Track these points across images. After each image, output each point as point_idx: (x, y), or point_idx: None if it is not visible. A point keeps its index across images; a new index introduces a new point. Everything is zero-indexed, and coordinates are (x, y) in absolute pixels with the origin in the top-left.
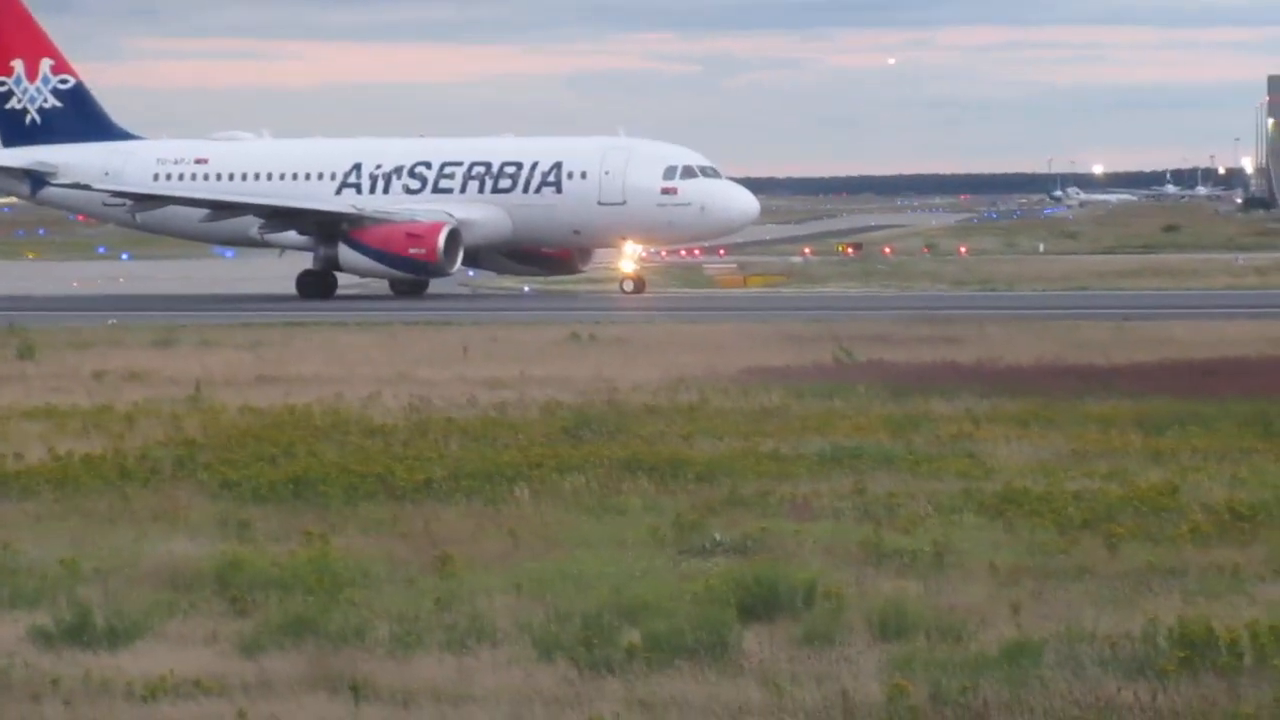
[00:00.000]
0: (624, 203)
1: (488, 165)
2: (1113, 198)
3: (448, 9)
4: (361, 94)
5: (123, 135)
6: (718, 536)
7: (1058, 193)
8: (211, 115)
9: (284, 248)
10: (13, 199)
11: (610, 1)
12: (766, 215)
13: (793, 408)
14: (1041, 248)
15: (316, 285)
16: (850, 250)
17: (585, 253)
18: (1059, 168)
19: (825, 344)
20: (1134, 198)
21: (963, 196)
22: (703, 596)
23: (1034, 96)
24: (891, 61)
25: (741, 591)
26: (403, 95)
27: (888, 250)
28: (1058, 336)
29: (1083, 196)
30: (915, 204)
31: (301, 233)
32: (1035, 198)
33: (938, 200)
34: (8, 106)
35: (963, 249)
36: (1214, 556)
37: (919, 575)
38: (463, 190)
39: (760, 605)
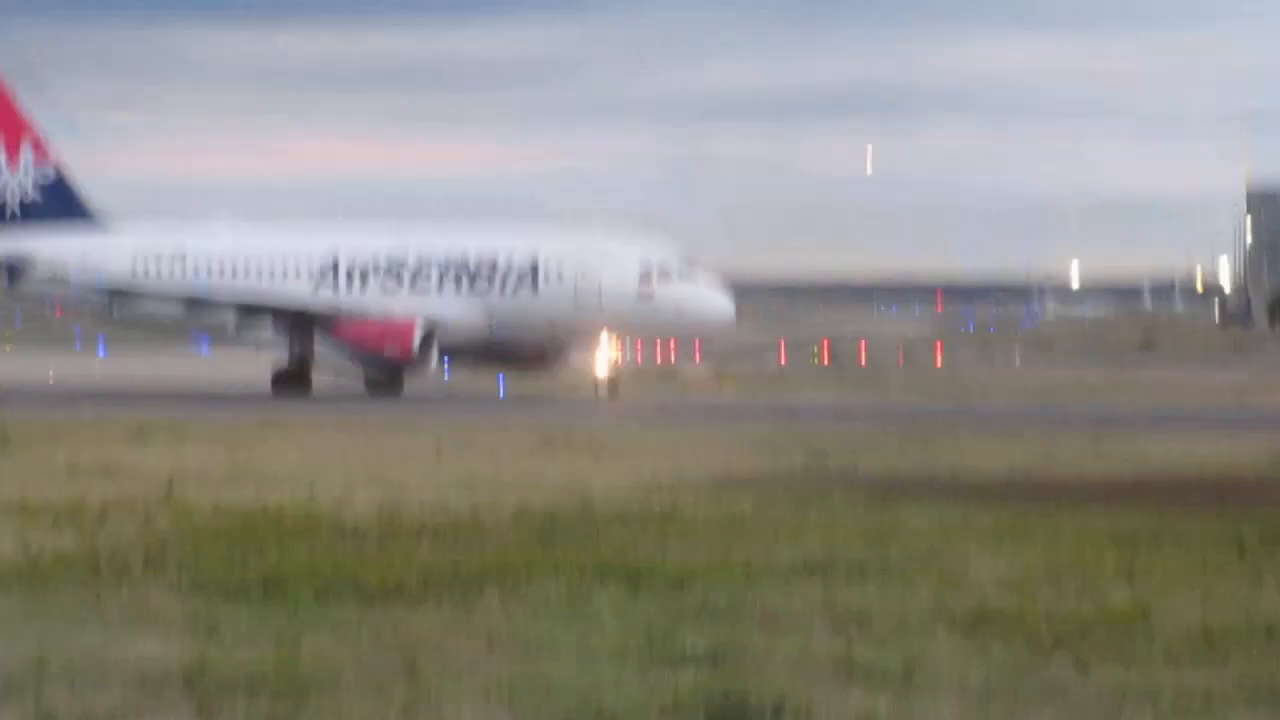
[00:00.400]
0: (600, 302)
1: (465, 262)
2: (1089, 309)
3: (429, 99)
4: (341, 184)
5: (102, 225)
6: (688, 646)
7: (1034, 303)
8: (193, 203)
9: (260, 343)
10: None
11: (590, 95)
12: (742, 318)
13: (765, 516)
14: (1017, 358)
15: (291, 382)
16: (825, 356)
17: (561, 352)
18: (1037, 278)
19: (798, 451)
20: (1111, 310)
21: (939, 304)
22: (671, 707)
23: (1013, 204)
24: (869, 164)
25: (710, 703)
26: (381, 186)
27: (863, 356)
28: (1032, 448)
29: (1059, 307)
30: (891, 310)
31: (276, 328)
32: (1012, 307)
33: (914, 306)
34: None
35: (938, 357)
36: (1186, 679)
37: (889, 691)
38: (440, 287)
39: (729, 717)
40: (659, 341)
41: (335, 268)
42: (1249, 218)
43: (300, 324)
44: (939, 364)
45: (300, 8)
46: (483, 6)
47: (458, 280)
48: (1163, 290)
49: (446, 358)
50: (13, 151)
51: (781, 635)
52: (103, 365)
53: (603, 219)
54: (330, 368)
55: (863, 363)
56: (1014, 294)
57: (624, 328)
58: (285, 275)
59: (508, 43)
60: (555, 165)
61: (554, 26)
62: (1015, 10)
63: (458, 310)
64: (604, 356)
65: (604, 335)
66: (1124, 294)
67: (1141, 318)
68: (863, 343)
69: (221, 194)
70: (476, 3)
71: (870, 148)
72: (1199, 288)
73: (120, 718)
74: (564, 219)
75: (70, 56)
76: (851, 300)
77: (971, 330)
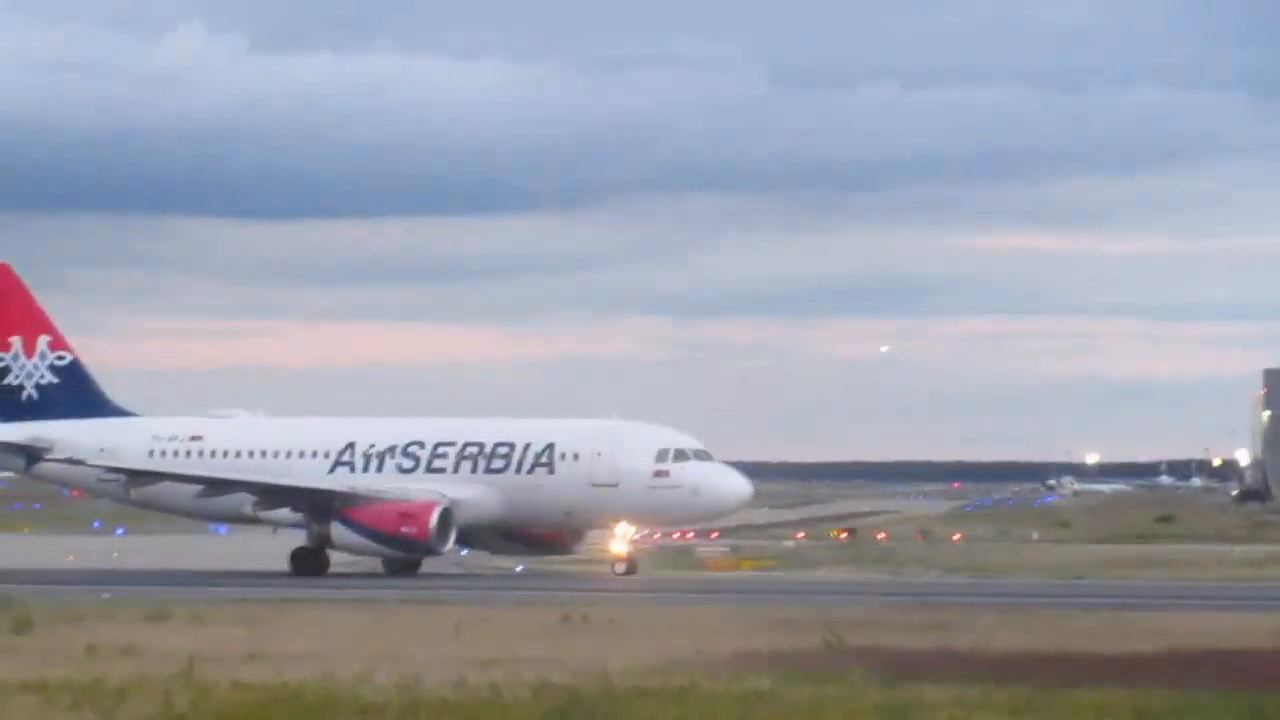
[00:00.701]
0: (616, 484)
1: (481, 445)
2: (1107, 488)
3: (440, 292)
4: (355, 373)
5: (118, 412)
6: None
7: (1051, 481)
8: (206, 392)
9: (278, 525)
10: (8, 473)
11: (602, 287)
12: (759, 499)
13: (783, 693)
14: (1035, 536)
15: (309, 562)
16: (842, 535)
17: (577, 534)
18: (1053, 457)
19: (817, 629)
20: (1128, 488)
21: (956, 484)
22: None
23: (1028, 386)
24: (885, 349)
25: None
26: (396, 375)
27: (880, 536)
28: (1050, 625)
29: (1077, 486)
30: (908, 490)
31: (295, 510)
32: (1029, 486)
33: (931, 487)
34: (5, 382)
35: (956, 536)
36: None
37: None
38: (456, 470)
39: None
40: (676, 520)
41: (351, 450)
42: (1266, 395)
43: (318, 505)
44: (956, 541)
45: (317, 202)
46: (496, 202)
47: (474, 462)
48: (1180, 468)
49: (463, 538)
50: (30, 342)
51: None
52: (121, 546)
53: (618, 408)
54: (348, 547)
55: (881, 540)
56: (1031, 473)
57: (640, 507)
58: (302, 458)
59: (522, 236)
60: (571, 356)
61: (564, 220)
62: (1028, 208)
63: (474, 492)
64: (621, 535)
65: (621, 514)
66: (1141, 471)
67: (1159, 494)
68: (880, 523)
69: (234, 384)
70: (490, 198)
71: (889, 337)
72: (1216, 464)
73: None
74: (580, 409)
75: (84, 248)
76: (869, 481)
77: (990, 507)
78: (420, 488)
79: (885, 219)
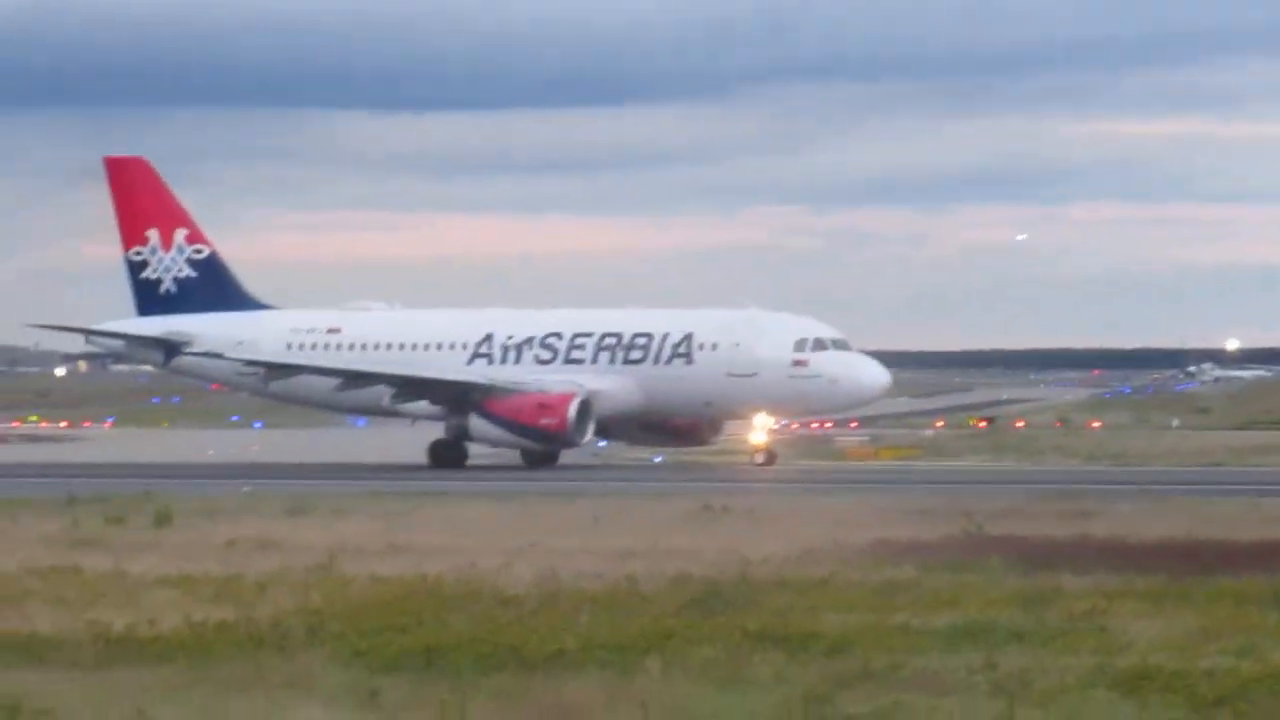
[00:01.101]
0: (755, 374)
1: (619, 336)
2: (1247, 374)
3: (576, 183)
4: (491, 266)
5: (255, 305)
6: (849, 710)
7: (1191, 368)
8: (343, 286)
9: (416, 417)
10: (147, 367)
11: (737, 177)
12: (897, 388)
13: (923, 581)
14: (1175, 423)
15: (448, 455)
16: (982, 424)
17: (716, 424)
18: (1193, 343)
19: (956, 518)
20: (1269, 374)
21: (1095, 371)
22: None
23: (1167, 272)
24: (1021, 237)
25: None
26: (533, 267)
27: (1019, 424)
28: (1191, 512)
29: (1217, 372)
30: (1047, 378)
31: (433, 402)
32: (1169, 373)
33: (1070, 375)
34: (143, 276)
35: (1095, 423)
36: None
37: None
38: (594, 361)
39: None
40: (815, 410)
41: (489, 342)
42: None
43: (457, 397)
44: (1096, 429)
45: (447, 94)
46: (629, 91)
47: (612, 353)
48: None
49: (602, 430)
50: (167, 236)
51: (943, 697)
52: (259, 439)
53: (756, 298)
54: (487, 439)
55: (1020, 429)
56: (1171, 359)
57: (779, 397)
58: (440, 350)
59: (659, 125)
60: (708, 246)
61: (701, 109)
62: (1170, 93)
63: (612, 383)
64: (760, 425)
65: (760, 404)
66: None
67: None
68: (1019, 411)
69: (369, 277)
70: (624, 87)
71: (1029, 224)
72: None
73: None
74: (717, 299)
75: (219, 142)
76: (1008, 369)
77: (1129, 395)
78: (558, 379)
79: (1026, 105)
